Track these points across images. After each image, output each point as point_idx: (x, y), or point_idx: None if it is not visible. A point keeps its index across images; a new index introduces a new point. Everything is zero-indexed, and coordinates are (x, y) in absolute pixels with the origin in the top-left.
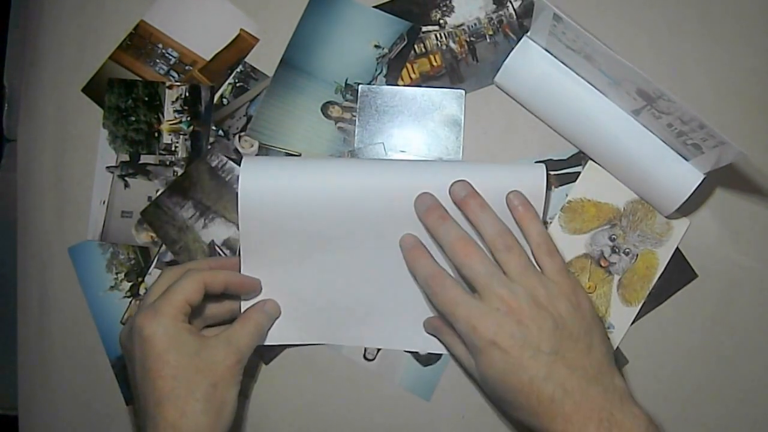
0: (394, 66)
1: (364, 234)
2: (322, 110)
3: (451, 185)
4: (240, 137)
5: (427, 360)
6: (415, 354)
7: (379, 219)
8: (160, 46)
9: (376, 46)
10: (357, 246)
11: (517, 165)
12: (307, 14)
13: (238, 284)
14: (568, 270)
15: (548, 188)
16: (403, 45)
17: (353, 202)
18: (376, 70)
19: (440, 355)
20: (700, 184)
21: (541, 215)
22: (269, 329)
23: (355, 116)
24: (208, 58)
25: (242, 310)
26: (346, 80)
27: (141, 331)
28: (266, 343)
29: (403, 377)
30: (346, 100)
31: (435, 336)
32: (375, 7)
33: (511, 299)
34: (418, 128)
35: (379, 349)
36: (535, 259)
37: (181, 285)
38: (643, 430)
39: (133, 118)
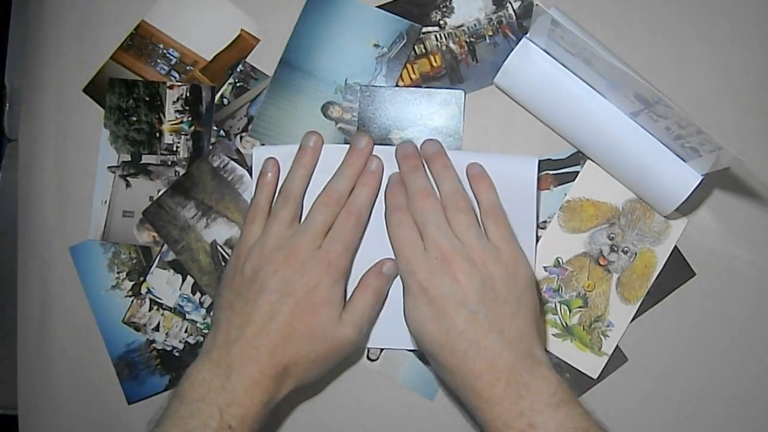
0: (393, 66)
1: (368, 232)
2: (322, 110)
3: (423, 141)
4: (241, 138)
5: None
6: (418, 353)
7: (382, 216)
8: (161, 46)
9: (375, 45)
10: (361, 245)
11: (510, 155)
12: (306, 14)
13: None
14: (515, 241)
15: (545, 186)
16: (402, 44)
17: None
18: (375, 69)
19: None
20: (698, 185)
21: (534, 204)
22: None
23: (355, 116)
24: (209, 58)
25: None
26: (346, 80)
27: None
28: None
29: (406, 376)
30: (346, 100)
31: None
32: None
33: (448, 251)
34: (418, 128)
35: (382, 349)
36: (483, 224)
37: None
38: (552, 389)
39: (134, 118)
